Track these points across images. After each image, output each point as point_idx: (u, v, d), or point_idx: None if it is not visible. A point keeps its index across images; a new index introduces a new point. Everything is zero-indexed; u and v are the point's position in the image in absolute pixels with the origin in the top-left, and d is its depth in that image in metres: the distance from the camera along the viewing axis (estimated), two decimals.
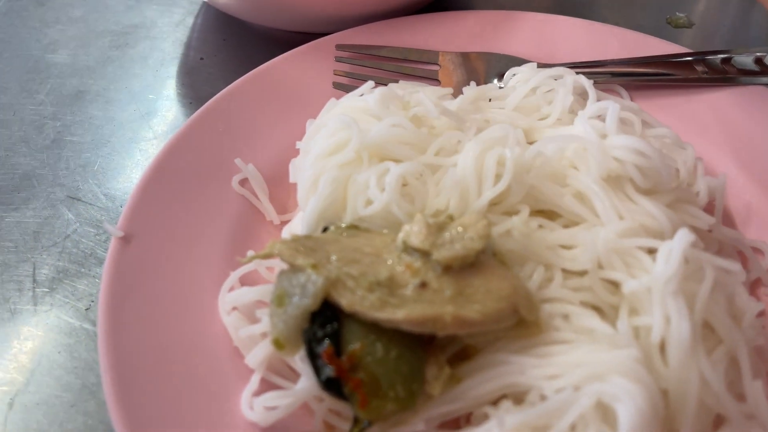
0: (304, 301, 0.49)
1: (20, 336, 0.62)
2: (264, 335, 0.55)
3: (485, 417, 0.49)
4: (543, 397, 0.47)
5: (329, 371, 0.48)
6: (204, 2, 0.98)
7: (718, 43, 0.93)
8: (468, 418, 0.51)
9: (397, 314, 0.47)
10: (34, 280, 0.66)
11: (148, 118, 0.82)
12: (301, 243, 0.53)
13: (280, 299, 0.50)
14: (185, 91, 0.86)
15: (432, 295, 0.49)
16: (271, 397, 0.51)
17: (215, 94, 0.73)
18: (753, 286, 0.60)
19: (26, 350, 0.61)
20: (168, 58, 0.91)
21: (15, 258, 0.68)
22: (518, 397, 0.49)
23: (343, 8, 0.82)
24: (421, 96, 0.62)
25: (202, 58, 0.90)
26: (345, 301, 0.48)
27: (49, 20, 0.97)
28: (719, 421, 0.48)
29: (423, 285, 0.50)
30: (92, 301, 0.65)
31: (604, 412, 0.45)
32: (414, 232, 0.52)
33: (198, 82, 0.87)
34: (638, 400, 0.44)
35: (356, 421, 0.50)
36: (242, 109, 0.72)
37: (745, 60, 0.73)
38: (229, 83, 0.75)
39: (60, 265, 0.68)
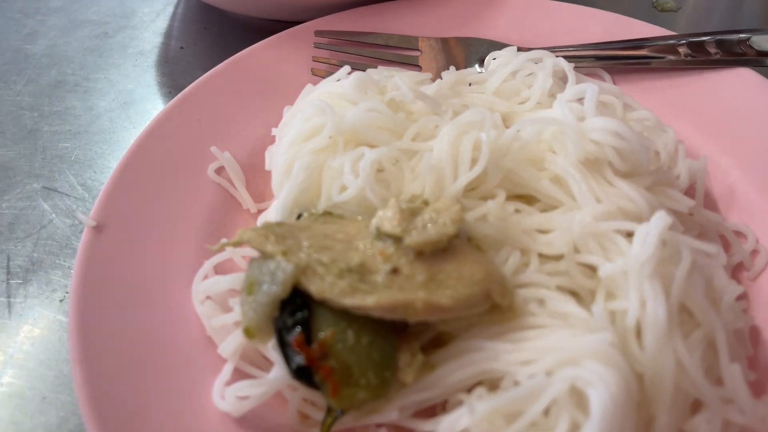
0: (273, 288, 0.48)
1: None
2: (237, 324, 0.55)
3: (460, 404, 0.48)
4: (516, 383, 0.47)
5: (299, 359, 0.47)
6: None
7: (707, 27, 0.91)
8: (444, 406, 0.50)
9: (367, 300, 0.47)
10: (8, 272, 0.66)
11: (126, 108, 0.82)
12: (272, 230, 0.52)
13: (250, 287, 0.50)
14: (164, 80, 0.85)
15: (403, 281, 0.48)
16: (242, 387, 0.51)
17: None
18: (735, 270, 0.59)
19: None
20: (148, 47, 0.90)
21: None
22: (493, 384, 0.49)
23: None
24: (396, 80, 0.61)
25: (182, 47, 0.89)
26: (314, 287, 0.47)
27: (29, 10, 0.96)
28: (697, 405, 0.48)
29: (395, 271, 0.49)
30: (67, 293, 0.64)
31: (579, 398, 0.45)
32: (387, 218, 0.51)
33: (177, 72, 0.86)
34: (611, 384, 0.43)
35: (329, 410, 0.49)
36: (219, 97, 0.71)
37: (730, 42, 0.71)
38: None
39: (35, 257, 0.67)
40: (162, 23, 0.93)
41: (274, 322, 0.49)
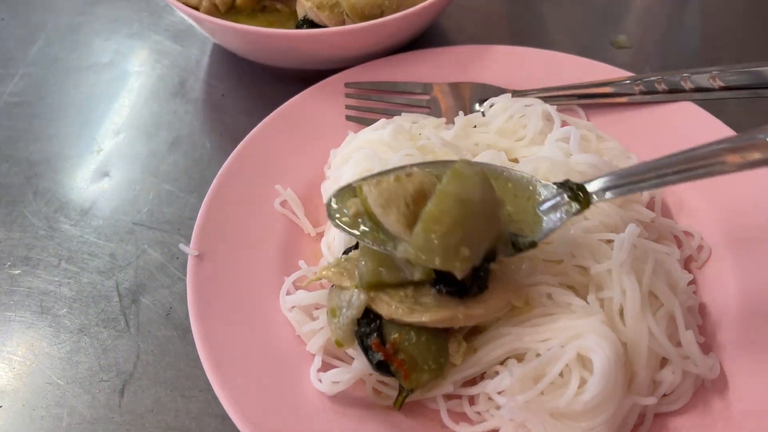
0: (351, 312, 0.65)
1: (117, 336, 0.78)
2: (321, 329, 0.72)
3: (496, 374, 0.66)
4: (538, 355, 0.65)
5: (378, 357, 0.64)
6: (215, 42, 1.12)
7: (653, 60, 1.11)
8: (482, 376, 0.69)
9: (423, 318, 0.63)
10: (119, 293, 0.82)
11: (187, 151, 0.98)
12: (343, 267, 0.68)
13: (333, 312, 0.67)
14: (214, 125, 1.01)
15: (447, 301, 0.65)
16: (335, 374, 0.67)
17: (240, 126, 0.89)
18: (686, 261, 0.79)
19: (125, 348, 0.77)
20: (193, 96, 1.06)
21: (99, 277, 0.83)
22: (519, 357, 0.67)
23: (337, 52, 0.97)
24: (425, 131, 0.79)
25: (223, 95, 1.05)
26: (383, 311, 0.64)
27: (82, 68, 1.11)
28: (664, 362, 0.67)
29: (440, 292, 0.65)
30: (170, 308, 0.80)
31: (583, 362, 0.63)
32: None
33: (224, 117, 1.02)
34: (606, 349, 0.62)
35: (401, 390, 0.67)
36: (273, 143, 0.87)
37: (673, 80, 0.91)
38: (250, 116, 0.91)
39: (138, 281, 0.83)
40: (201, 73, 1.09)
41: (355, 333, 0.66)
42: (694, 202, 0.82)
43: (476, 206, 0.61)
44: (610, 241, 0.70)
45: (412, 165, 0.68)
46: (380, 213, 0.64)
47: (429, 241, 0.60)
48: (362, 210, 0.66)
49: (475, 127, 0.86)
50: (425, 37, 1.09)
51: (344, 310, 0.66)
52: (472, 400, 0.68)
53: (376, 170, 0.76)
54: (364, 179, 0.66)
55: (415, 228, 0.61)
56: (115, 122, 1.02)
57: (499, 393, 0.64)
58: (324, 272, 0.68)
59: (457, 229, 0.60)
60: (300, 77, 0.97)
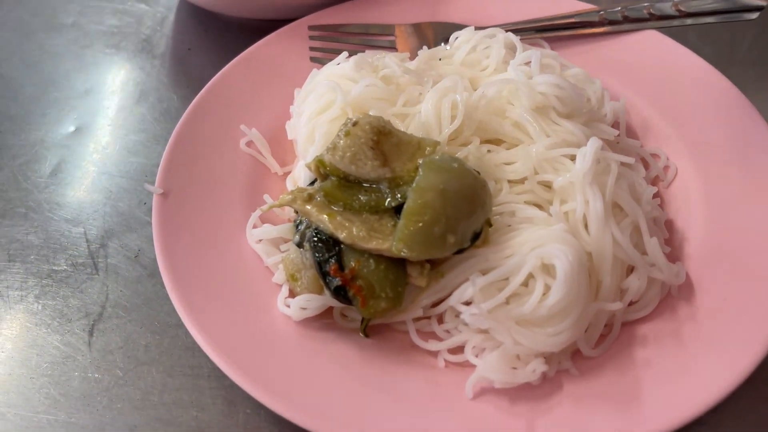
0: (309, 272, 0.66)
1: (85, 279, 0.77)
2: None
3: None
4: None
5: (336, 282, 0.64)
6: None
7: None
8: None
9: (383, 246, 0.63)
10: (87, 240, 0.81)
11: (154, 103, 0.97)
12: (300, 194, 0.68)
13: (293, 277, 0.67)
14: (180, 77, 1.01)
15: None
16: (304, 299, 0.67)
17: (206, 79, 0.88)
18: (653, 182, 0.79)
19: (93, 290, 0.76)
20: (159, 51, 1.05)
21: (66, 225, 0.83)
22: (484, 272, 0.67)
23: None
24: (386, 60, 0.79)
25: (189, 49, 1.05)
26: (343, 234, 0.63)
27: (43, 29, 1.10)
28: (630, 270, 0.67)
29: None
30: (139, 250, 0.80)
31: (548, 270, 0.63)
32: None
33: (190, 69, 1.02)
34: (569, 255, 0.61)
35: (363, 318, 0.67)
36: (238, 86, 0.87)
37: (638, 10, 0.91)
38: (216, 69, 0.89)
39: (106, 226, 0.82)
40: (167, 29, 1.08)
41: (314, 259, 0.65)
42: (659, 124, 0.82)
43: (456, 193, 0.62)
44: (573, 158, 0.70)
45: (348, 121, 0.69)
46: (354, 169, 0.66)
47: (413, 236, 0.61)
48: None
49: (440, 60, 0.86)
50: None
51: (303, 271, 0.66)
52: (440, 319, 0.68)
53: (338, 103, 0.76)
54: (318, 156, 0.68)
55: (398, 224, 0.62)
56: (82, 80, 1.01)
57: (464, 304, 0.64)
58: (284, 199, 0.68)
59: (440, 220, 0.61)
60: (266, 29, 0.95)
